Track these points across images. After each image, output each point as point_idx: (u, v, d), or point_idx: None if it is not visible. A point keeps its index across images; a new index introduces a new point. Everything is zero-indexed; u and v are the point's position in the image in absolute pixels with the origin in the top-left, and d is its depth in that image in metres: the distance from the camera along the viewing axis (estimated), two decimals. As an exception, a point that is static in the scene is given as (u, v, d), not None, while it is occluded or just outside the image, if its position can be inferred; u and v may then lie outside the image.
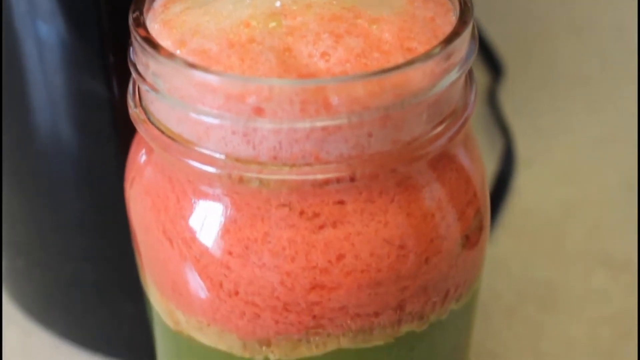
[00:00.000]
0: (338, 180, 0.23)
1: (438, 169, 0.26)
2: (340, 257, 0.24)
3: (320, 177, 0.23)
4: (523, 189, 0.47)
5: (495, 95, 0.53)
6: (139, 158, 0.27)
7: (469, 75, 0.27)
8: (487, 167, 0.29)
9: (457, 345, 0.30)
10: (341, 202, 0.24)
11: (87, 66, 0.31)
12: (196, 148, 0.24)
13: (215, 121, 0.23)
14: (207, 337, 0.26)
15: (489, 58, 0.56)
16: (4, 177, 0.36)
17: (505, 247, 0.44)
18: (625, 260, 0.43)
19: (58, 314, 0.39)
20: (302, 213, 0.24)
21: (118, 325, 0.37)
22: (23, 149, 0.34)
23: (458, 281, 0.27)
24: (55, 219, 0.36)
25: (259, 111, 0.23)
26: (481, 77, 0.55)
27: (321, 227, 0.24)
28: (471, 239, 0.27)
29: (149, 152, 0.26)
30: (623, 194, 0.47)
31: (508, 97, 0.53)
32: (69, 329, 0.39)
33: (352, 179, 0.23)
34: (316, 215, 0.24)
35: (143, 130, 0.25)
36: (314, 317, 0.25)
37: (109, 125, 0.32)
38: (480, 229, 0.27)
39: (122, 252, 0.33)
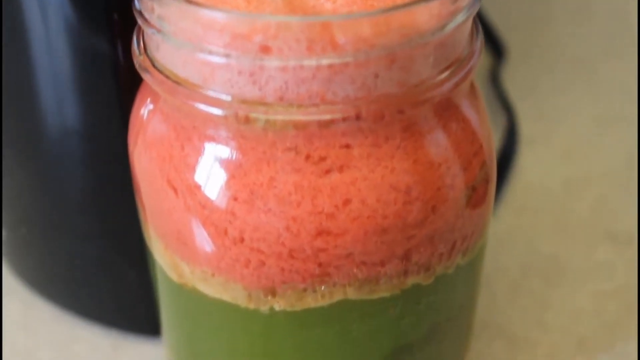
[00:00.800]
0: (344, 120, 0.23)
1: (444, 118, 0.25)
2: (347, 202, 0.24)
3: (326, 117, 0.23)
4: (526, 167, 0.47)
5: (498, 76, 0.53)
6: (143, 113, 0.27)
7: (475, 25, 0.26)
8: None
9: (462, 306, 0.30)
10: (347, 146, 0.24)
11: (91, 25, 0.31)
12: (202, 91, 0.24)
13: (222, 60, 0.23)
14: (212, 288, 0.26)
15: (491, 40, 0.56)
16: (4, 147, 0.36)
17: (510, 222, 0.44)
18: (628, 236, 0.43)
19: (59, 286, 0.39)
20: (308, 157, 0.24)
21: (119, 297, 0.37)
22: (25, 115, 0.34)
23: (465, 233, 0.27)
24: (57, 191, 0.35)
25: (265, 49, 0.22)
26: (484, 59, 0.55)
27: (327, 171, 0.24)
28: (478, 191, 0.27)
29: (154, 101, 0.26)
30: (625, 171, 0.47)
31: (511, 78, 0.53)
32: (70, 300, 0.39)
33: (358, 117, 0.23)
34: (322, 159, 0.24)
35: (149, 77, 0.25)
36: (320, 264, 0.25)
37: (112, 88, 0.32)
38: (486, 181, 0.27)
39: (124, 225, 0.33)
